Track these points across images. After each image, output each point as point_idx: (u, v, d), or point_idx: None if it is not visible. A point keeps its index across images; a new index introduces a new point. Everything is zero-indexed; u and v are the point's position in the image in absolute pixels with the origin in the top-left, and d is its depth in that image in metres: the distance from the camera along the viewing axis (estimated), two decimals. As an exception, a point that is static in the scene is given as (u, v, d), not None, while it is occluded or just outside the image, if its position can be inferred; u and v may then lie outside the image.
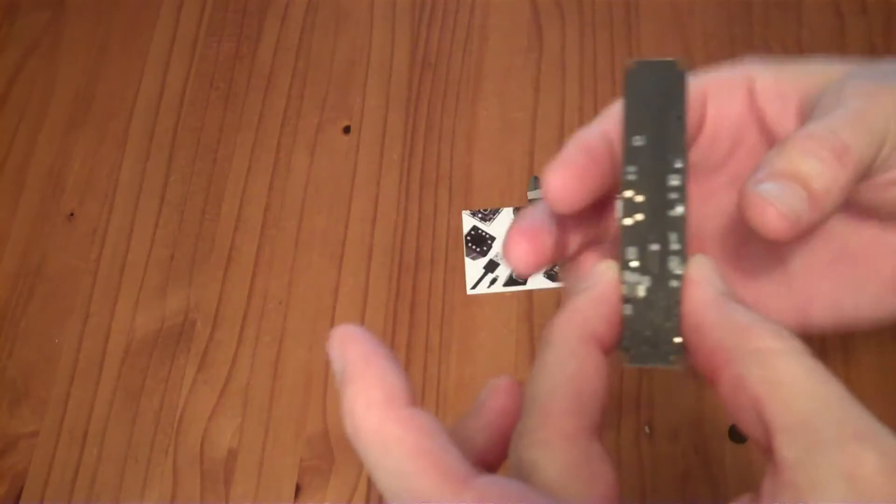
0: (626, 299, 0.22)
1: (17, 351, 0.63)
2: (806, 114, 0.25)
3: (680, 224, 0.22)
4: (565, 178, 0.24)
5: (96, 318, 0.63)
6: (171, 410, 0.60)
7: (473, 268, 0.62)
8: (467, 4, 0.73)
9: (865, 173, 0.23)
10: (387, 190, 0.66)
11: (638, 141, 0.22)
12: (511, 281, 0.62)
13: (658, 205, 0.22)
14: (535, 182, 0.64)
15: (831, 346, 0.56)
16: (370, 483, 0.56)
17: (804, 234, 0.22)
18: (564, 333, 0.21)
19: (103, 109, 0.72)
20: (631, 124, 0.23)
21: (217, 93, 0.71)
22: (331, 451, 0.58)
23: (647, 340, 0.21)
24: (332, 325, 0.61)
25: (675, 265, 0.21)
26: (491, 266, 0.62)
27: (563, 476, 0.19)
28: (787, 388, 0.18)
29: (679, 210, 0.22)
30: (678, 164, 0.22)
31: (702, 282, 0.21)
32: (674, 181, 0.22)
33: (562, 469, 0.19)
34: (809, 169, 0.22)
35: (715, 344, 0.20)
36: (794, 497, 0.17)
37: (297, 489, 0.57)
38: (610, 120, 0.25)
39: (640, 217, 0.22)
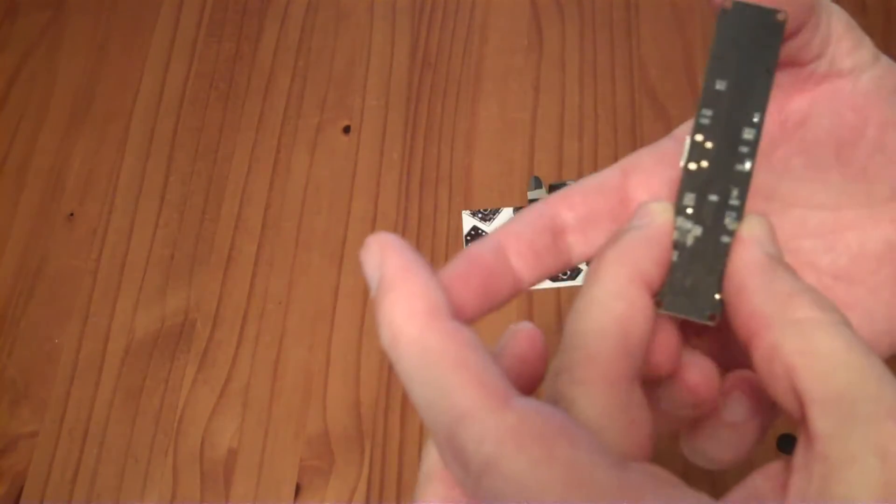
0: (674, 245, 0.21)
1: (17, 351, 0.63)
2: None
3: (745, 180, 0.21)
4: (462, 293, 0.22)
5: (96, 318, 0.63)
6: (171, 410, 0.60)
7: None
8: (467, 4, 0.73)
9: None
10: (387, 190, 0.66)
11: (720, 85, 0.21)
12: (511, 281, 0.62)
13: (727, 155, 0.21)
14: (536, 182, 0.64)
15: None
16: (370, 483, 0.57)
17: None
18: (614, 271, 0.20)
19: (103, 109, 0.72)
20: (716, 66, 0.21)
21: (217, 93, 0.71)
22: (331, 451, 0.58)
23: (686, 291, 0.21)
24: (332, 325, 0.61)
25: (730, 220, 0.21)
26: (491, 266, 0.62)
27: (602, 419, 0.18)
28: (825, 360, 0.18)
29: (747, 166, 0.21)
30: (756, 118, 0.21)
31: (753, 243, 0.20)
32: (748, 135, 0.21)
33: (601, 412, 0.18)
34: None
35: (755, 308, 0.19)
36: (825, 470, 0.17)
37: (297, 489, 0.57)
38: (503, 231, 0.24)
39: (704, 164, 0.21)
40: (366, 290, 0.62)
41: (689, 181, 0.21)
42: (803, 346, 0.18)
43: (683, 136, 0.24)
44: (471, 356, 0.17)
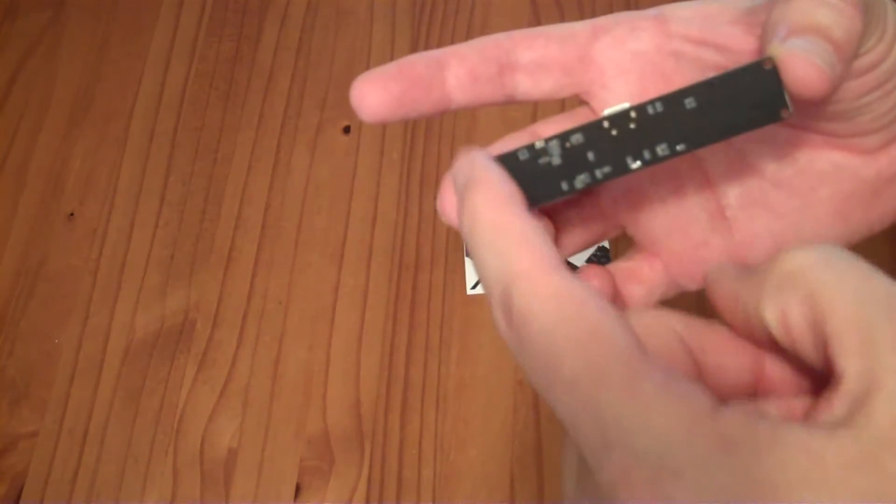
0: (536, 149, 0.22)
1: (17, 351, 0.63)
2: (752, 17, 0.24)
3: (622, 170, 0.22)
4: (376, 92, 0.24)
5: (96, 318, 0.63)
6: (171, 410, 0.60)
7: (473, 268, 0.62)
8: (467, 4, 0.73)
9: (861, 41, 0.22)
10: (387, 190, 0.66)
11: (689, 103, 0.22)
12: (511, 281, 0.62)
13: (631, 144, 0.22)
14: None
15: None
16: (370, 483, 0.57)
17: (834, 91, 0.22)
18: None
19: (103, 109, 0.72)
20: (704, 90, 0.22)
21: (217, 93, 0.71)
22: (331, 451, 0.58)
23: (540, 175, 0.23)
24: (332, 325, 0.61)
25: (580, 180, 0.22)
26: (491, 266, 0.62)
27: None
28: (837, 297, 0.18)
29: (635, 164, 0.22)
30: (679, 147, 0.22)
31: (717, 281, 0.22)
32: (661, 151, 0.22)
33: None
34: (827, 20, 0.21)
35: (730, 297, 0.21)
36: (850, 402, 0.17)
37: (297, 489, 0.57)
38: (452, 48, 0.25)
39: (613, 132, 0.22)
40: (365, 290, 0.62)
41: (590, 128, 0.22)
42: (809, 291, 0.18)
43: (672, 14, 0.25)
44: (531, 233, 0.20)
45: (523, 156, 0.22)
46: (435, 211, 0.65)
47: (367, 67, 0.76)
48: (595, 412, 0.17)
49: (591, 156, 0.22)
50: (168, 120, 0.71)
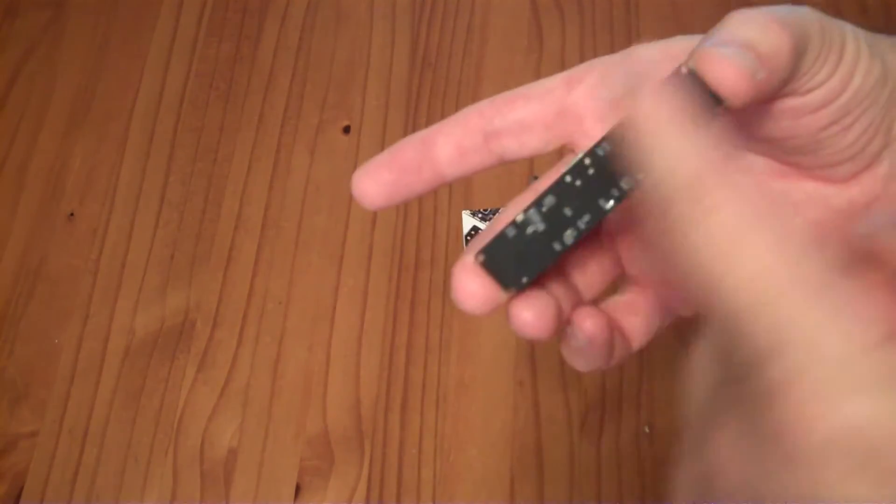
0: (515, 224, 0.23)
1: (17, 351, 0.63)
2: None
3: (600, 214, 0.23)
4: (373, 184, 0.26)
5: (96, 318, 0.63)
6: (171, 410, 0.60)
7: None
8: (467, 4, 0.73)
9: (796, 67, 0.23)
10: (387, 190, 0.66)
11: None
12: (511, 281, 0.62)
13: (599, 187, 0.23)
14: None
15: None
16: (370, 483, 0.57)
17: (760, 96, 0.22)
18: None
19: (103, 109, 0.72)
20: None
21: (217, 93, 0.71)
22: (331, 451, 0.58)
23: (504, 260, 0.24)
24: (332, 325, 0.61)
25: (569, 235, 0.23)
26: (491, 266, 0.62)
27: None
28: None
29: (608, 204, 0.23)
30: (640, 176, 0.22)
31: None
32: (624, 184, 0.23)
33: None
34: (753, 35, 0.22)
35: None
36: None
37: (297, 489, 0.57)
38: (437, 128, 0.26)
39: (578, 183, 0.23)
40: (365, 290, 0.62)
41: (557, 187, 0.23)
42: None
43: (639, 60, 0.26)
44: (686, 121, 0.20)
45: (511, 233, 0.23)
46: (435, 211, 0.65)
47: (367, 67, 0.77)
48: (773, 314, 0.17)
49: (567, 211, 0.23)
50: (168, 120, 0.71)
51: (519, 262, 0.23)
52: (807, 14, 0.23)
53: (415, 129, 0.68)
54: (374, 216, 0.65)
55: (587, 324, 0.26)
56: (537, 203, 0.23)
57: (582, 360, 0.26)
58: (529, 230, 0.23)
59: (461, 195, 0.65)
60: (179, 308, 0.63)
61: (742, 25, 0.22)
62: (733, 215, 0.18)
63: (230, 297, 0.63)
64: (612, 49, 0.76)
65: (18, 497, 0.58)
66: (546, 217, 0.23)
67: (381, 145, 0.68)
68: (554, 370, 0.59)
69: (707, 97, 0.22)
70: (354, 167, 0.68)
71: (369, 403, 0.59)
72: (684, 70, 0.22)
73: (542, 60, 0.70)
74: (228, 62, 0.73)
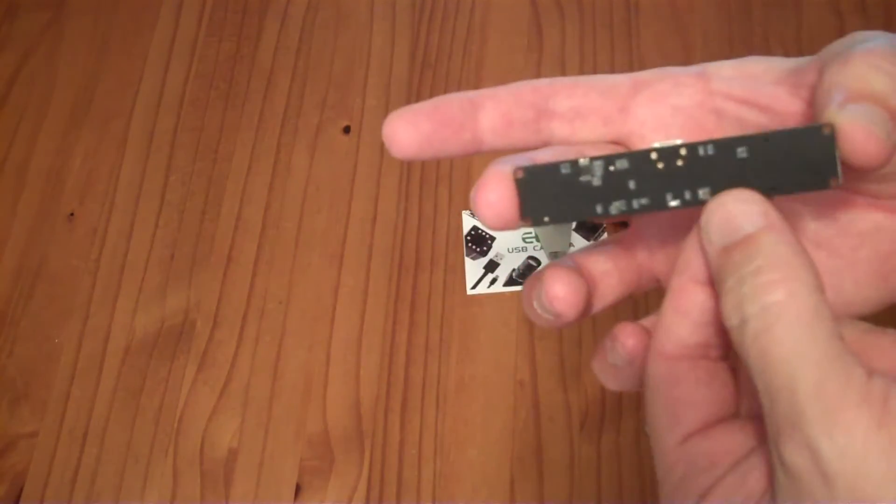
0: (576, 166, 0.22)
1: (17, 351, 0.63)
2: (800, 79, 0.24)
3: (658, 204, 0.22)
4: (407, 130, 0.24)
5: (96, 318, 0.63)
6: (171, 410, 0.60)
7: (473, 268, 0.62)
8: (467, 4, 0.73)
9: None
10: (387, 190, 0.66)
11: (741, 152, 0.22)
12: (511, 281, 0.62)
13: (671, 181, 0.22)
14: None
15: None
16: (370, 483, 0.57)
17: (890, 160, 0.21)
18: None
19: (103, 109, 0.72)
20: (761, 144, 0.22)
21: (217, 93, 0.71)
22: (331, 451, 0.58)
23: (550, 195, 0.22)
24: (332, 325, 0.62)
25: (615, 207, 0.22)
26: (491, 266, 0.62)
27: None
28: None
29: (674, 202, 0.22)
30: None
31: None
32: (703, 195, 0.22)
33: None
34: (883, 86, 0.21)
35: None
36: None
37: (297, 489, 0.57)
38: (489, 90, 0.25)
39: (660, 166, 0.22)
40: (365, 290, 0.62)
41: (636, 157, 0.22)
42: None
43: (714, 73, 0.25)
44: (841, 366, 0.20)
45: (565, 170, 0.22)
46: (435, 211, 0.65)
47: (367, 67, 0.77)
48: (791, 396, 0.19)
49: (631, 184, 0.22)
50: (168, 120, 0.71)
51: (553, 200, 0.22)
52: None
53: (415, 129, 0.68)
54: (374, 216, 0.65)
55: (630, 342, 0.24)
56: (608, 159, 0.22)
57: (614, 380, 0.25)
58: (584, 178, 0.22)
59: (461, 195, 0.65)
60: (179, 308, 0.63)
61: (871, 73, 0.21)
62: (790, 325, 0.19)
63: (230, 297, 0.63)
64: (611, 49, 0.76)
65: (18, 497, 0.58)
66: (607, 176, 0.22)
67: (381, 145, 0.68)
68: (554, 370, 0.59)
69: (825, 162, 0.21)
70: (354, 167, 0.68)
71: (369, 403, 0.59)
72: (826, 131, 0.21)
73: (542, 60, 0.70)
74: (228, 62, 0.73)
